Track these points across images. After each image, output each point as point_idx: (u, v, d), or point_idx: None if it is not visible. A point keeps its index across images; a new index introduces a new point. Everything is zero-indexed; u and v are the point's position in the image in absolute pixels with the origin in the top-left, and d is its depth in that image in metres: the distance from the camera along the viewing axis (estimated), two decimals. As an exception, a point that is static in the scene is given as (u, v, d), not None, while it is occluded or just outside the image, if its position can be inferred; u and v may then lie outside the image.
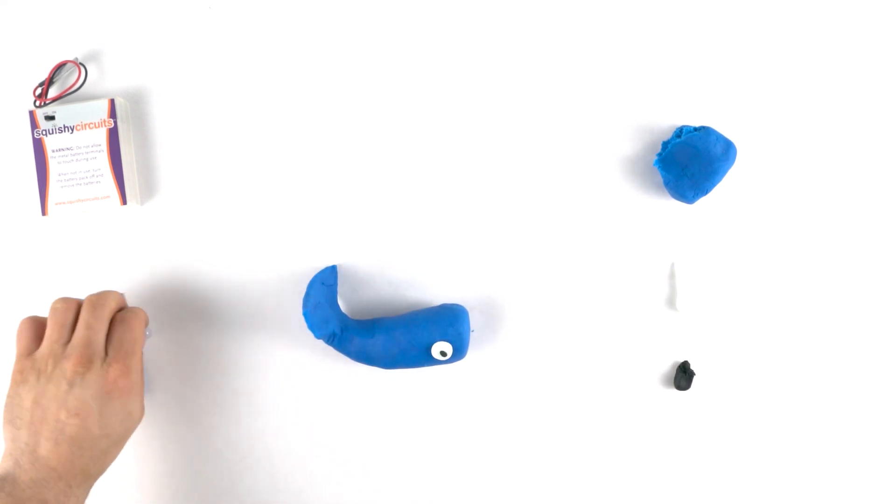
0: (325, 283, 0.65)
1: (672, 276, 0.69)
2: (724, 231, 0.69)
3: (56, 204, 0.67)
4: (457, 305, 0.65)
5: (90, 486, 0.58)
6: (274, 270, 0.69)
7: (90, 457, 0.55)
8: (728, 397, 0.69)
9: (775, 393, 0.69)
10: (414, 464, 0.70)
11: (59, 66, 0.68)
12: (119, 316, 0.61)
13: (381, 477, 0.70)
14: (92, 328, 0.57)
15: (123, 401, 0.57)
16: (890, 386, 0.69)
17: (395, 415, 0.69)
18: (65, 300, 0.60)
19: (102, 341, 0.58)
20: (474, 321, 0.68)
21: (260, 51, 0.70)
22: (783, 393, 0.69)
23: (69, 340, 0.57)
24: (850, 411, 0.69)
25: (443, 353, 0.61)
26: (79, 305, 0.60)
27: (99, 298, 0.60)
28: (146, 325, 0.64)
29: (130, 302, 0.69)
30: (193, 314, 0.69)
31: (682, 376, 0.68)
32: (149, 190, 0.70)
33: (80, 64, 0.68)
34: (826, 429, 0.70)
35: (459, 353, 0.63)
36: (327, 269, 0.66)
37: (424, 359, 0.62)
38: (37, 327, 0.60)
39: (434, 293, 0.69)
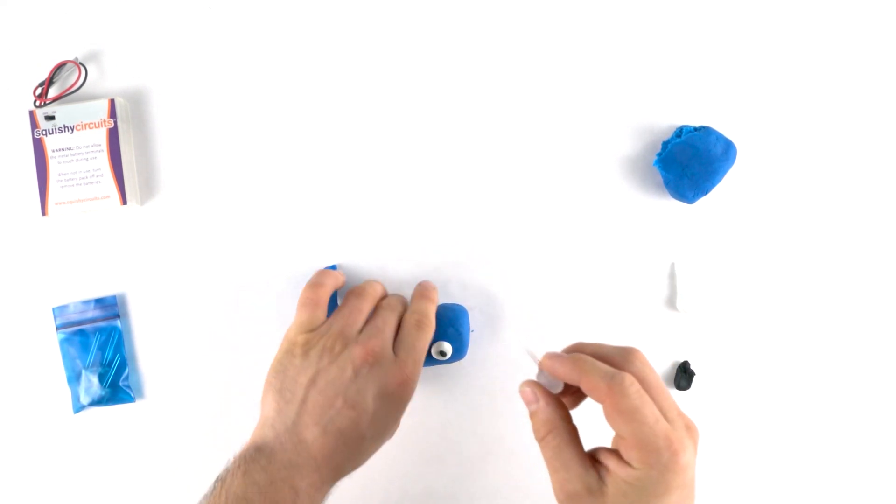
0: None
1: (672, 276, 0.69)
2: (724, 231, 0.69)
3: (56, 204, 0.67)
4: (456, 305, 0.65)
5: (334, 486, 0.53)
6: (274, 270, 0.69)
7: (349, 455, 0.51)
8: (728, 397, 0.69)
9: (775, 393, 0.69)
10: (414, 464, 0.70)
11: (59, 66, 0.68)
12: (414, 320, 0.57)
13: (380, 476, 0.70)
14: (388, 324, 0.55)
15: (397, 406, 0.53)
16: (890, 386, 0.69)
17: (396, 415, 0.69)
18: (372, 285, 0.59)
19: (392, 339, 0.55)
20: (474, 321, 0.68)
21: (260, 51, 0.70)
22: (783, 393, 0.69)
23: (362, 329, 0.54)
24: (850, 411, 0.69)
25: (442, 354, 0.60)
26: (380, 297, 0.59)
27: (400, 301, 0.59)
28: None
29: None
30: (193, 314, 0.69)
31: (682, 376, 0.68)
32: (149, 190, 0.70)
33: (80, 64, 0.68)
34: (826, 428, 0.70)
35: (459, 352, 0.62)
36: (328, 268, 0.66)
37: (427, 359, 0.60)
38: (319, 300, 0.57)
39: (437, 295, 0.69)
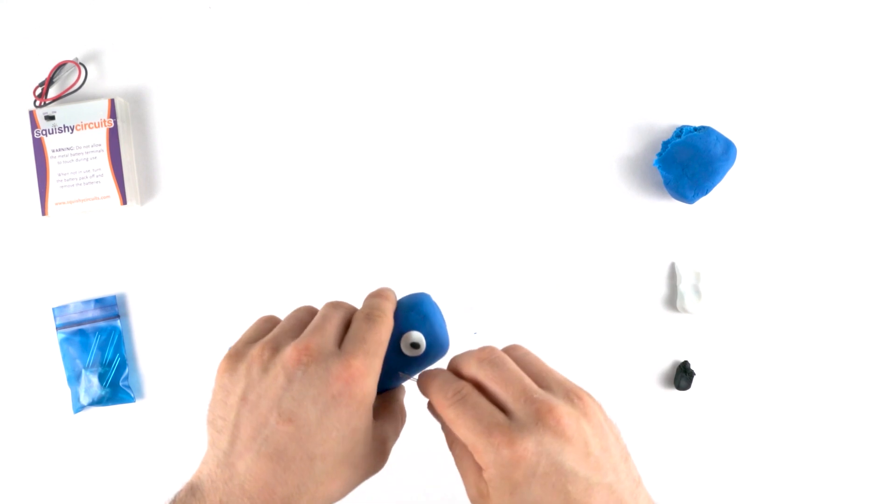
0: None
1: (672, 276, 0.69)
2: (724, 231, 0.69)
3: (56, 204, 0.67)
4: (416, 293, 0.51)
5: None
6: (274, 270, 0.69)
7: (297, 483, 0.40)
8: (728, 397, 0.69)
9: (775, 392, 0.69)
10: (412, 465, 0.70)
11: (59, 66, 0.68)
12: (364, 313, 0.45)
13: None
14: (329, 321, 0.44)
15: (350, 411, 0.41)
16: (890, 386, 0.69)
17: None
18: (335, 304, 0.47)
19: (337, 336, 0.43)
20: (475, 321, 0.68)
21: (260, 51, 0.70)
22: (783, 392, 0.69)
23: (300, 335, 0.44)
24: (850, 410, 0.69)
25: (415, 346, 0.46)
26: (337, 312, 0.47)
27: (342, 301, 0.47)
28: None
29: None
30: (193, 314, 0.69)
31: (682, 376, 0.68)
32: (149, 190, 0.70)
33: (80, 64, 0.68)
34: (826, 428, 0.69)
35: (437, 342, 0.47)
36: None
37: (397, 362, 0.47)
38: (273, 323, 0.47)
39: (435, 293, 0.69)
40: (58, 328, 0.69)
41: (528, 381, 0.40)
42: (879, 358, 0.69)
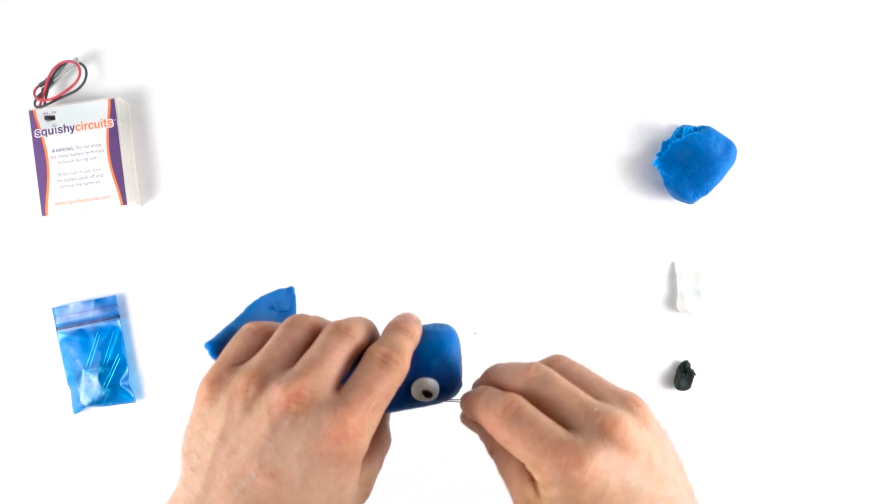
0: (274, 308, 0.47)
1: (672, 276, 0.69)
2: (724, 231, 0.69)
3: (56, 204, 0.67)
4: (441, 327, 0.45)
5: None
6: (274, 270, 0.69)
7: None
8: (728, 397, 0.69)
9: (775, 392, 0.69)
10: (411, 466, 0.70)
11: (59, 66, 0.68)
12: (381, 353, 0.39)
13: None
14: (330, 355, 0.38)
15: (340, 471, 0.36)
16: (890, 385, 0.69)
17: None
18: (317, 318, 0.42)
19: (337, 377, 0.37)
20: (475, 321, 0.68)
21: (260, 51, 0.70)
22: (783, 392, 0.69)
23: (293, 365, 0.38)
24: (850, 410, 0.69)
25: (427, 394, 0.42)
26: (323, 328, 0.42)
27: (361, 327, 0.41)
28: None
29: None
30: (193, 314, 0.69)
31: (682, 376, 0.68)
32: (149, 190, 0.70)
33: (80, 64, 0.68)
34: (826, 428, 0.69)
35: (451, 388, 0.44)
36: (280, 291, 0.48)
37: (405, 401, 0.43)
38: (263, 336, 0.41)
39: (435, 293, 0.69)
40: (58, 328, 0.69)
41: (583, 393, 0.38)
42: (879, 357, 0.69)
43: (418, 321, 0.43)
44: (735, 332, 0.69)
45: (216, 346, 0.42)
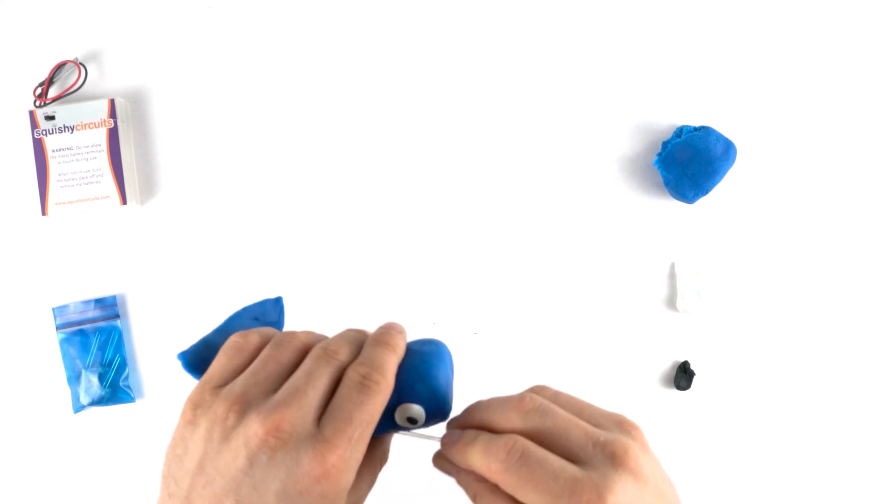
0: (259, 320, 0.43)
1: (672, 276, 0.69)
2: (724, 231, 0.69)
3: (56, 204, 0.67)
4: (431, 345, 0.41)
5: None
6: (274, 269, 0.69)
7: None
8: (728, 397, 0.69)
9: (775, 392, 0.69)
10: (409, 461, 0.70)
11: (59, 66, 0.68)
12: (358, 376, 0.36)
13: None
14: (314, 382, 0.35)
15: None
16: (890, 385, 0.69)
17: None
18: (307, 334, 0.39)
19: (319, 408, 0.35)
20: (475, 321, 0.68)
21: (260, 51, 0.70)
22: (783, 392, 0.69)
23: (277, 390, 0.36)
24: (850, 410, 0.69)
25: (411, 421, 0.38)
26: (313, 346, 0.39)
27: (340, 346, 0.38)
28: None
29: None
30: (193, 314, 0.69)
31: (682, 376, 0.68)
32: (149, 190, 0.70)
33: (80, 64, 0.68)
34: (826, 428, 0.69)
35: (438, 413, 0.39)
36: (267, 301, 0.45)
37: (392, 425, 0.39)
38: (250, 353, 0.38)
39: (435, 293, 0.69)
40: (58, 328, 0.69)
41: (584, 423, 0.36)
42: (879, 357, 0.69)
43: (402, 331, 0.40)
44: (735, 332, 0.69)
45: (189, 358, 0.40)
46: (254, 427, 0.33)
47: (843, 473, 0.69)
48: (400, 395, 0.37)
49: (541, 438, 0.35)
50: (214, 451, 0.34)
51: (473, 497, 0.37)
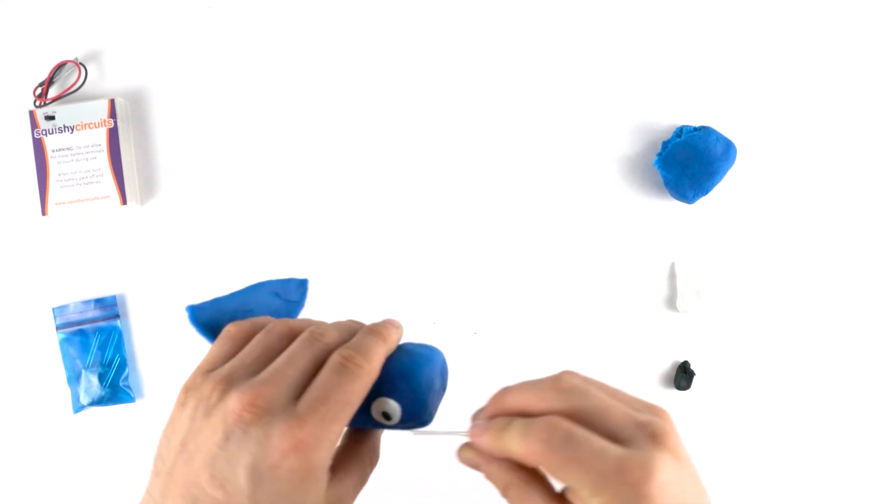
0: (280, 296, 0.44)
1: (672, 276, 0.69)
2: (724, 231, 0.69)
3: (56, 204, 0.67)
4: (423, 348, 0.41)
5: None
6: (274, 269, 0.69)
7: None
8: (728, 397, 0.69)
9: (775, 392, 0.69)
10: (409, 457, 0.70)
11: (59, 66, 0.68)
12: (340, 358, 0.36)
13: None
14: (295, 363, 0.36)
15: (292, 486, 0.33)
16: (890, 385, 0.69)
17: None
18: (297, 322, 0.40)
19: (298, 385, 0.35)
20: (475, 321, 0.68)
21: (260, 51, 0.70)
22: (783, 392, 0.69)
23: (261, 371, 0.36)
24: (850, 410, 0.69)
25: (386, 416, 0.38)
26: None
27: (327, 329, 0.39)
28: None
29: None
30: (193, 314, 0.69)
31: (682, 376, 0.68)
32: (149, 190, 0.70)
33: (80, 64, 0.68)
34: (826, 428, 0.69)
35: (416, 416, 0.38)
36: (292, 280, 0.45)
37: (368, 419, 0.38)
38: (243, 340, 0.39)
39: (435, 293, 0.69)
40: (58, 328, 0.69)
41: (621, 404, 0.35)
42: (879, 357, 0.69)
43: (398, 326, 0.40)
44: (735, 332, 0.69)
45: (196, 313, 0.41)
46: (232, 402, 0.33)
47: (843, 473, 0.69)
48: (380, 389, 0.37)
49: (581, 418, 0.34)
50: (196, 428, 0.35)
51: (504, 488, 0.36)
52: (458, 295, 0.69)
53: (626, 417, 0.34)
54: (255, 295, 0.43)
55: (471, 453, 0.37)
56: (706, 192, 0.67)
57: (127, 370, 0.69)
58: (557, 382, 0.35)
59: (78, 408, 0.69)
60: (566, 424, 0.33)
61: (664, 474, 0.32)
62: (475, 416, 0.37)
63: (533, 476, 0.35)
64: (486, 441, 0.35)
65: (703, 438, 0.69)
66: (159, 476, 0.36)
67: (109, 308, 0.69)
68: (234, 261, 0.69)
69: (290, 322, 0.39)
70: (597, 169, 0.69)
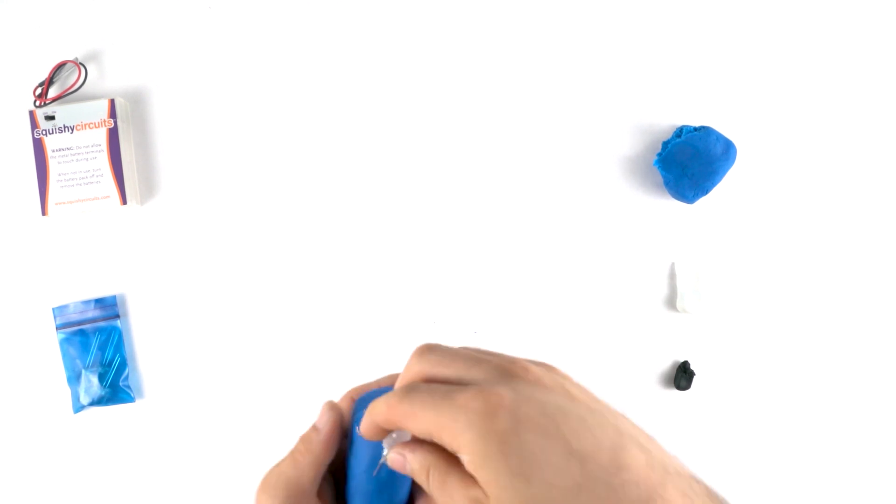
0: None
1: (672, 276, 0.69)
2: (724, 231, 0.69)
3: (56, 204, 0.67)
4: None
5: None
6: (274, 270, 0.69)
7: None
8: (728, 397, 0.69)
9: (775, 392, 0.69)
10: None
11: (59, 66, 0.68)
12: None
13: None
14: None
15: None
16: (889, 385, 0.69)
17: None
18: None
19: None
20: (475, 321, 0.68)
21: (260, 51, 0.70)
22: (783, 392, 0.69)
23: None
24: (850, 410, 0.69)
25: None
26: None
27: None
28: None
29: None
30: (193, 314, 0.69)
31: (682, 376, 0.68)
32: (149, 190, 0.70)
33: (80, 64, 0.68)
34: (825, 427, 0.69)
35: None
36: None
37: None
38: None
39: (435, 292, 0.69)
40: (58, 328, 0.69)
41: (474, 351, 0.34)
42: (879, 357, 0.69)
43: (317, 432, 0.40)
44: (735, 332, 0.69)
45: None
46: None
47: (843, 473, 0.69)
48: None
49: (433, 375, 0.33)
50: None
51: (427, 473, 0.34)
52: (459, 294, 0.69)
53: (474, 361, 0.32)
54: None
55: (394, 453, 0.36)
56: (706, 192, 0.67)
57: (127, 370, 0.69)
58: (416, 350, 0.34)
59: (78, 408, 0.69)
60: (413, 383, 0.32)
61: (504, 391, 0.30)
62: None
63: (452, 459, 0.33)
64: (366, 426, 0.35)
65: (703, 438, 0.69)
66: None
67: (109, 308, 0.69)
68: (234, 260, 0.69)
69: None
70: (597, 169, 0.69)
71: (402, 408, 0.32)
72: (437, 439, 0.31)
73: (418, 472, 0.34)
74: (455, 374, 0.32)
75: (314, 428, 0.40)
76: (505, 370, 0.31)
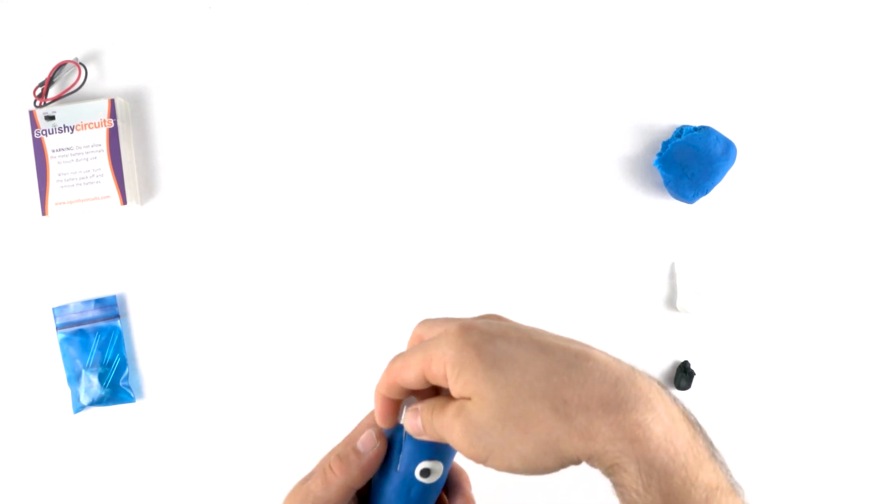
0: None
1: (672, 276, 0.69)
2: (724, 231, 0.69)
3: (56, 204, 0.67)
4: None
5: None
6: (274, 270, 0.69)
7: None
8: (728, 397, 0.69)
9: (775, 392, 0.69)
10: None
11: (59, 66, 0.68)
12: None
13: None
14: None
15: None
16: (889, 385, 0.69)
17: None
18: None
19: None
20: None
21: (260, 51, 0.70)
22: (783, 392, 0.69)
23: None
24: (850, 410, 0.69)
25: (425, 473, 0.41)
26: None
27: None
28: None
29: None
30: (193, 314, 0.69)
31: (683, 376, 0.68)
32: (149, 190, 0.70)
33: (80, 64, 0.68)
34: (826, 428, 0.70)
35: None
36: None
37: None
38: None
39: (435, 293, 0.69)
40: (58, 328, 0.69)
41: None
42: (879, 357, 0.69)
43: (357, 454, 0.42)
44: (735, 332, 0.69)
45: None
46: None
47: (843, 473, 0.69)
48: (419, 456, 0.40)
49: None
50: None
51: (429, 413, 0.38)
52: (459, 294, 0.69)
53: (459, 319, 0.38)
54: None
55: (409, 411, 0.39)
56: (706, 192, 0.67)
57: (127, 370, 0.69)
58: (417, 326, 0.41)
59: (78, 408, 0.69)
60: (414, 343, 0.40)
61: (476, 320, 0.37)
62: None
63: (445, 396, 0.38)
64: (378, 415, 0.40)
65: (703, 438, 0.69)
66: None
67: (109, 308, 0.69)
68: (234, 260, 0.69)
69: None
70: (597, 169, 0.69)
71: (398, 363, 0.37)
72: (429, 377, 0.36)
73: (423, 415, 0.38)
74: (440, 329, 0.37)
75: (355, 451, 0.40)
76: (474, 317, 0.38)
